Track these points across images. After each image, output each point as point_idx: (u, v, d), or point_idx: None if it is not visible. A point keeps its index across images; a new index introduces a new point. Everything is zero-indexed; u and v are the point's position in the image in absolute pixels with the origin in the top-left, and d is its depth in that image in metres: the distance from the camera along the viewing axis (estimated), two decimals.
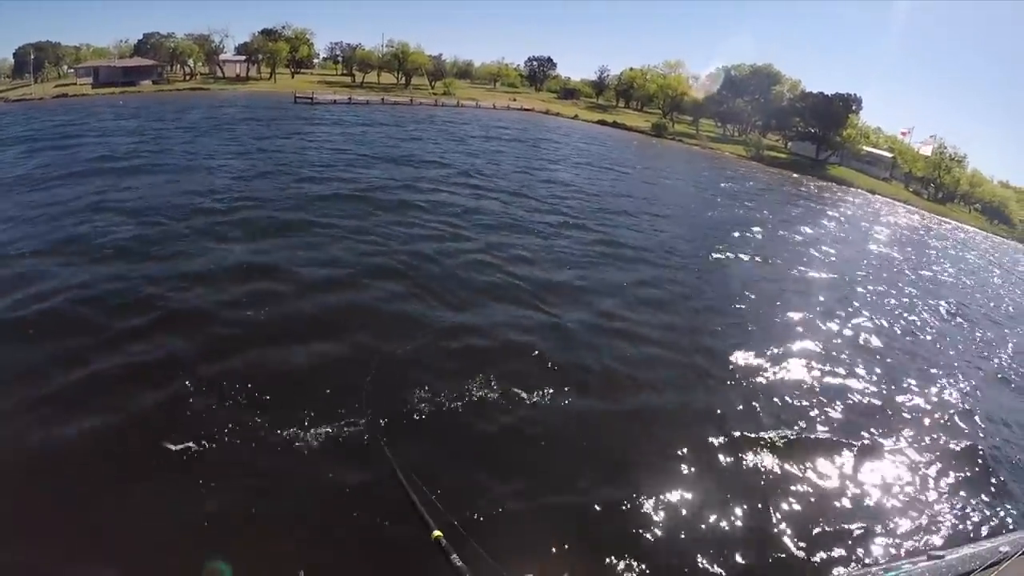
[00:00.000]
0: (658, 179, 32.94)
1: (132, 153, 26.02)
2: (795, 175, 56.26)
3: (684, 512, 6.48)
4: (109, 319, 9.74)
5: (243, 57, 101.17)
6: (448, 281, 12.13)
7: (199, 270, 11.97)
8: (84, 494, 5.62)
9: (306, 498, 5.40)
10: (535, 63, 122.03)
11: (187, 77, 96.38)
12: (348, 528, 5.03)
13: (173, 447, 6.26)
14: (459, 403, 7.34)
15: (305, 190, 18.94)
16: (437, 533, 3.33)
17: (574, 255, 15.07)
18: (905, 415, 9.83)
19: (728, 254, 17.59)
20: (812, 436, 8.35)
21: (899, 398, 10.50)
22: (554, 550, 5.29)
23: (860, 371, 11.11)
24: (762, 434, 8.15)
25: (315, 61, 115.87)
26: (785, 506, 6.89)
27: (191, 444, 6.39)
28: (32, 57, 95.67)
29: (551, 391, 8.04)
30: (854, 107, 72.67)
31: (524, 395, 7.80)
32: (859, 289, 17.11)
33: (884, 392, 10.44)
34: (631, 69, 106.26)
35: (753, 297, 14.08)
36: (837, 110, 70.97)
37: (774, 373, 10.16)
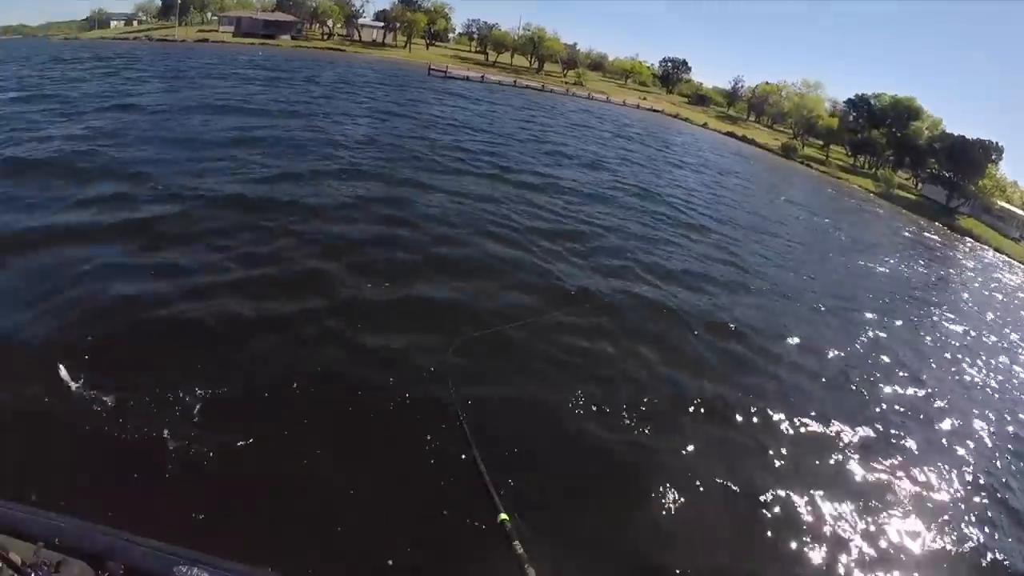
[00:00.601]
0: (785, 204, 31.25)
1: (270, 101, 26.88)
2: (923, 220, 52.00)
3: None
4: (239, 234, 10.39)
5: (381, 23, 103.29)
6: (560, 266, 11.34)
7: (317, 205, 12.40)
8: None
9: (375, 457, 5.41)
10: (669, 64, 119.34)
11: (324, 37, 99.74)
12: (413, 497, 5.00)
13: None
14: (557, 400, 6.85)
15: (438, 159, 18.95)
16: (504, 517, 3.11)
17: (691, 261, 14.09)
18: None
19: (872, 329, 13.40)
20: None
21: None
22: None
23: None
24: None
25: (450, 36, 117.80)
26: None
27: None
28: (179, 1, 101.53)
29: (666, 420, 7.21)
30: (994, 156, 66.25)
31: (632, 415, 7.00)
32: None
33: None
34: (767, 83, 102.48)
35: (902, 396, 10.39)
36: (976, 157, 64.57)
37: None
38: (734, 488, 6.34)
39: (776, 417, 7.98)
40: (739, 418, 7.79)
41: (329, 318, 7.90)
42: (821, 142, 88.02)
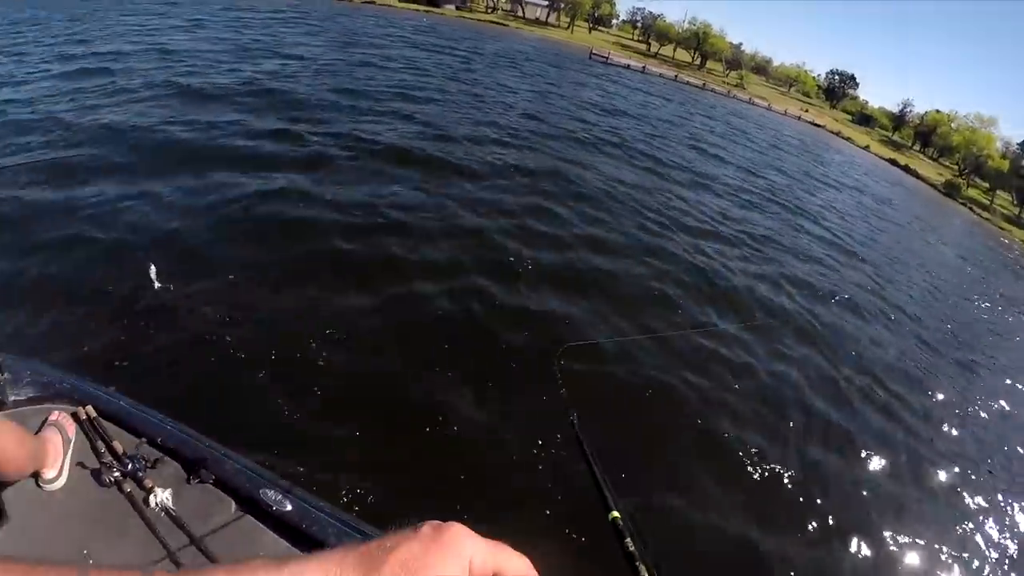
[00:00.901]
0: (939, 246, 28.63)
1: (433, 65, 27.88)
2: None
3: None
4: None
5: (545, 2, 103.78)
6: (706, 276, 10.59)
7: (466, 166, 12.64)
8: None
9: (483, 445, 5.21)
10: (836, 76, 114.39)
11: (488, 10, 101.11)
12: (520, 487, 4.80)
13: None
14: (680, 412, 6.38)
15: (592, 142, 18.88)
16: (615, 514, 3.19)
17: (839, 285, 12.90)
18: None
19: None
20: None
21: None
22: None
23: None
24: None
25: (613, 22, 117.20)
26: None
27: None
28: None
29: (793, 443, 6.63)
30: None
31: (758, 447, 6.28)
32: None
33: None
34: (936, 111, 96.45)
35: None
36: None
37: None
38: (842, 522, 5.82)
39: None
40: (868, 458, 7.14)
41: (476, 274, 7.96)
42: (987, 184, 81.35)
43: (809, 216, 19.41)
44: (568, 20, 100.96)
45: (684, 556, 4.54)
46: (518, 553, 0.65)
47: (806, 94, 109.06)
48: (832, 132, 79.78)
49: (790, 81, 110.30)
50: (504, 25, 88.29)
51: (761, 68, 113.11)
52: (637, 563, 2.99)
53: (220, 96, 14.19)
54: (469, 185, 11.53)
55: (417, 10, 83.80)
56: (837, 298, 12.12)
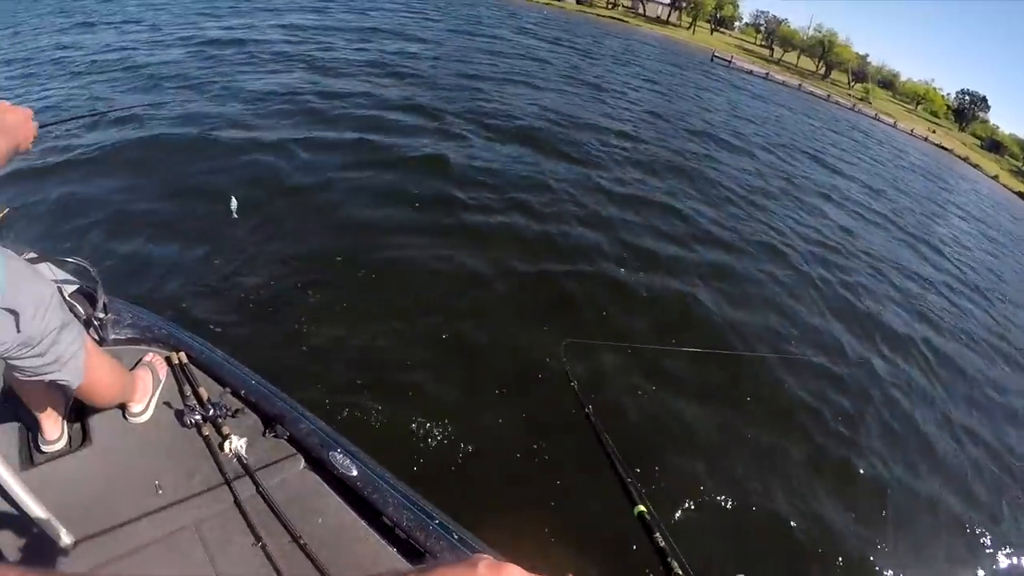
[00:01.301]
0: None
1: (553, 56, 28.50)
2: None
3: None
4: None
5: (667, 0, 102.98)
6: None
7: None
8: None
9: (504, 435, 4.94)
10: (966, 97, 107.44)
11: (610, 6, 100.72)
12: (541, 487, 4.53)
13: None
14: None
15: (714, 146, 18.46)
16: (640, 508, 3.23)
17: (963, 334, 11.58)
18: None
19: None
20: None
21: None
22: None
23: None
24: None
25: (736, 24, 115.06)
26: None
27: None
28: None
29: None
30: None
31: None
32: None
33: None
34: None
35: None
36: None
37: None
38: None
39: None
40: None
41: (601, 260, 7.99)
42: None
43: (931, 245, 18.80)
44: (690, 20, 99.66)
45: (714, 549, 4.33)
46: None
47: (934, 113, 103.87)
48: (959, 157, 76.05)
49: (917, 98, 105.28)
50: (625, 21, 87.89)
51: (887, 82, 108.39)
52: (669, 559, 3.08)
53: (349, 72, 15.17)
54: (595, 173, 11.73)
55: (537, 2, 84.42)
56: (959, 341, 11.14)
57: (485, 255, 7.25)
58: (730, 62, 64.66)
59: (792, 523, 4.73)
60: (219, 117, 10.11)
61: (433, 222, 7.72)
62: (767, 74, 67.20)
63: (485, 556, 0.60)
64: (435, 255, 6.93)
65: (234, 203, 6.49)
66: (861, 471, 5.68)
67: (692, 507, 4.53)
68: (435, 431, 4.57)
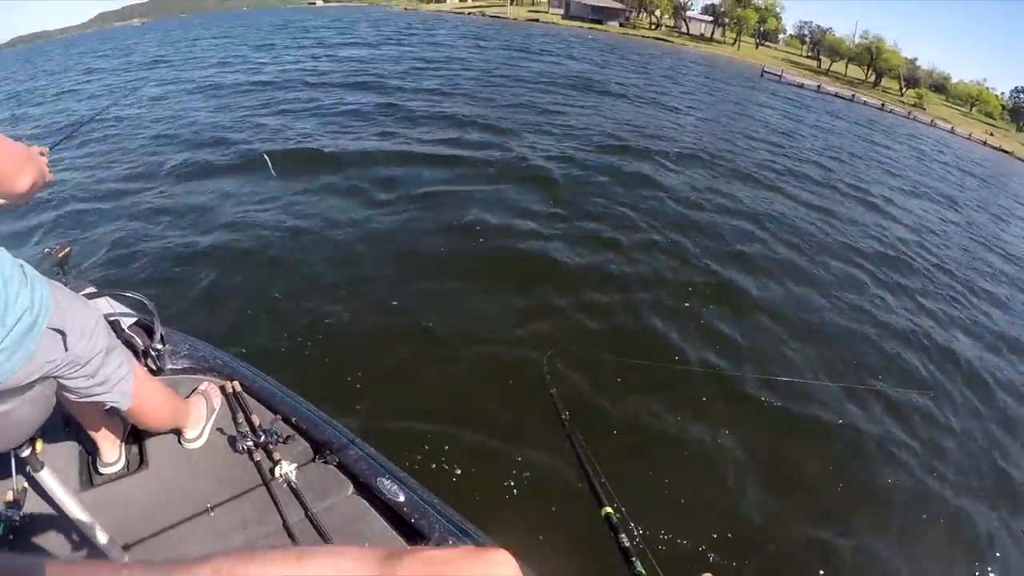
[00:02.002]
0: None
1: (608, 80, 29.57)
2: None
3: None
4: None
5: (709, 17, 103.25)
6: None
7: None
8: None
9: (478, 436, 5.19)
10: (1022, 96, 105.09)
11: (652, 27, 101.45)
12: (513, 485, 4.75)
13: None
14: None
15: (766, 161, 18.98)
16: (608, 510, 3.27)
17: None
18: None
19: None
20: None
21: None
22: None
23: None
24: None
25: (780, 37, 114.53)
26: None
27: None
28: None
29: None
30: None
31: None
32: None
33: None
34: None
35: None
36: None
37: None
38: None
39: None
40: None
41: (636, 285, 8.21)
42: None
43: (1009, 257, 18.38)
44: (734, 36, 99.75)
45: (681, 550, 4.46)
46: None
47: (988, 114, 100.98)
48: (1021, 159, 74.15)
49: (971, 100, 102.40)
50: (669, 41, 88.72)
51: (939, 86, 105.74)
52: (632, 558, 3.12)
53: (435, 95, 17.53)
54: (665, 196, 12.30)
55: (581, 27, 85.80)
56: None
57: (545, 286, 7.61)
58: (780, 76, 64.60)
59: (761, 528, 4.88)
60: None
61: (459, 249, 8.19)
62: (819, 86, 66.66)
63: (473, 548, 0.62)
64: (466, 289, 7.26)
65: (268, 161, 7.10)
66: (828, 477, 5.71)
67: (660, 510, 4.72)
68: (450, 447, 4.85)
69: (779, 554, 4.70)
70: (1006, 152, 73.34)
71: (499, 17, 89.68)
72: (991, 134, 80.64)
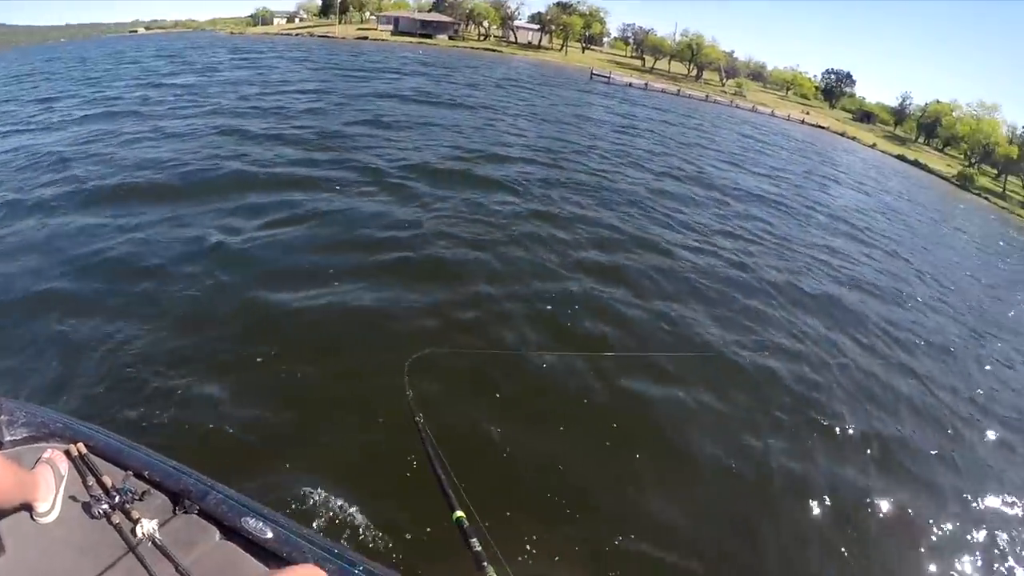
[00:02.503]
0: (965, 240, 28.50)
1: (447, 95, 29.75)
2: None
3: None
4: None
5: (536, 26, 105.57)
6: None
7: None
8: None
9: (333, 442, 5.38)
10: (832, 76, 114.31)
11: (481, 38, 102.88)
12: (368, 489, 4.81)
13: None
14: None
15: (601, 157, 19.98)
16: (459, 514, 3.23)
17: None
18: None
19: None
20: None
21: None
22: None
23: None
24: None
25: (605, 40, 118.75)
26: None
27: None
28: (339, 0, 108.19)
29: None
30: None
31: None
32: None
33: None
34: (938, 102, 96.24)
35: None
36: None
37: None
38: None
39: None
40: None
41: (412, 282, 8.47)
42: (995, 172, 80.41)
43: (839, 217, 19.89)
44: (561, 42, 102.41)
45: (534, 553, 4.55)
46: None
47: (804, 96, 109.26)
48: (837, 132, 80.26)
49: (787, 85, 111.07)
50: (499, 51, 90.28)
51: (756, 74, 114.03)
52: (484, 563, 3.12)
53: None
54: (508, 197, 12.87)
55: (410, 42, 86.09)
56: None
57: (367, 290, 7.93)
58: (609, 78, 66.76)
59: (621, 528, 5.00)
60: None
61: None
62: (646, 84, 69.69)
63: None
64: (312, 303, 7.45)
65: None
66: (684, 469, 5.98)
67: (513, 512, 4.80)
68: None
69: (629, 552, 4.84)
70: (822, 127, 79.55)
71: (329, 36, 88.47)
72: (807, 113, 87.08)
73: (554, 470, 5.45)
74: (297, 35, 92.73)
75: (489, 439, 5.64)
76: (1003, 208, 61.29)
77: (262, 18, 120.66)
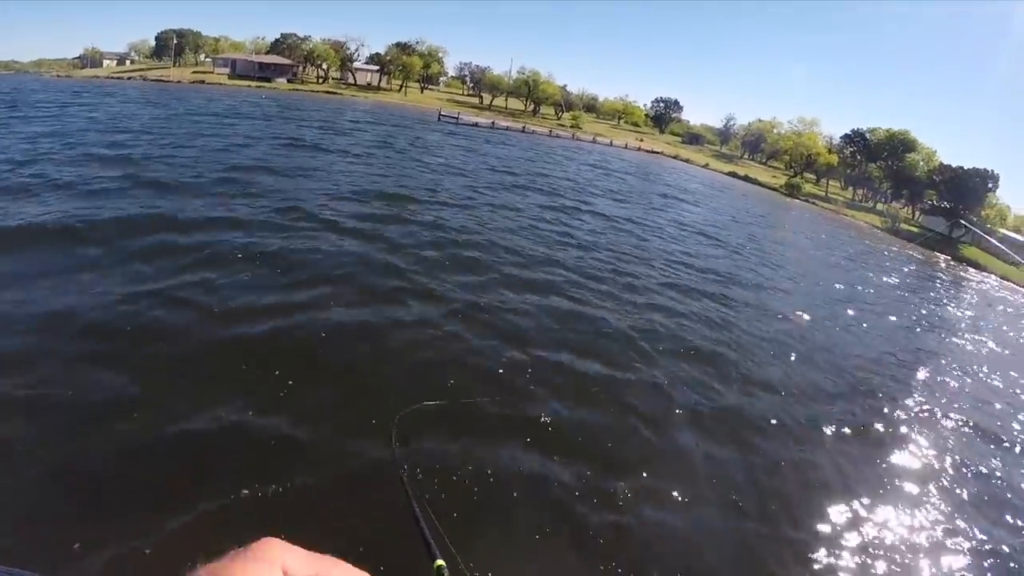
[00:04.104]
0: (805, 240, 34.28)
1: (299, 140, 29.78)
2: (926, 252, 51.07)
3: None
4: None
5: (375, 67, 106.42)
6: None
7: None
8: None
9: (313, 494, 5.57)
10: (661, 104, 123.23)
11: (320, 80, 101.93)
12: (348, 536, 5.09)
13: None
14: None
15: (447, 188, 21.63)
16: (440, 562, 2.80)
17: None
18: None
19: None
20: None
21: None
22: None
23: None
24: None
25: (441, 79, 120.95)
26: None
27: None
28: (174, 43, 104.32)
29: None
30: (991, 184, 67.74)
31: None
32: None
33: None
34: (759, 120, 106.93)
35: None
36: (975, 186, 66.79)
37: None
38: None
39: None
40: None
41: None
42: (815, 177, 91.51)
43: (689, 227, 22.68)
44: (399, 82, 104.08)
45: None
46: (353, 567, 0.70)
47: (635, 124, 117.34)
48: (671, 156, 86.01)
49: (619, 114, 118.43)
50: (338, 94, 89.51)
51: (590, 106, 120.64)
52: None
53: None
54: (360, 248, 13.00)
55: (249, 85, 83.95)
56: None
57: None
58: (457, 119, 68.59)
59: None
60: None
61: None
62: (492, 123, 72.42)
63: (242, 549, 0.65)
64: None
65: None
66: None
67: (496, 560, 5.09)
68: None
69: None
70: (657, 152, 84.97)
71: (163, 80, 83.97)
72: (642, 140, 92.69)
73: (538, 514, 5.80)
74: (129, 78, 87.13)
75: (469, 486, 5.93)
76: (828, 209, 68.71)
77: (91, 59, 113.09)
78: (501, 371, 8.43)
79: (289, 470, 5.66)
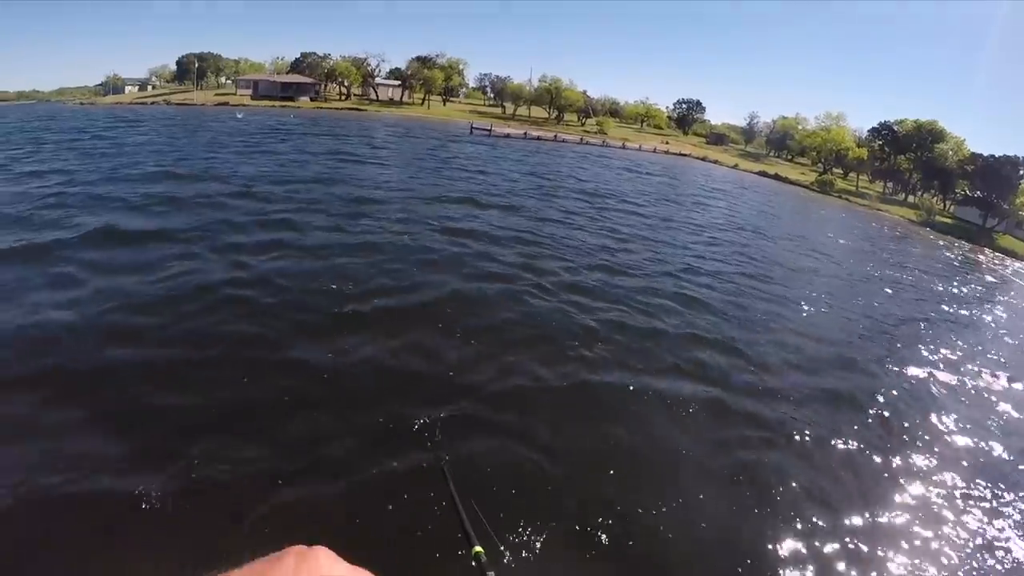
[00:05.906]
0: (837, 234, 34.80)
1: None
2: (964, 243, 52.24)
3: None
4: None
5: (397, 81, 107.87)
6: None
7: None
8: None
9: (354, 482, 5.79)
10: (684, 105, 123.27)
11: (342, 97, 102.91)
12: (388, 523, 5.28)
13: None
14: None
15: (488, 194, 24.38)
16: (478, 549, 2.78)
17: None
18: None
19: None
20: None
21: None
22: None
23: None
24: None
25: (462, 91, 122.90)
26: None
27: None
28: (196, 66, 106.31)
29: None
30: (1023, 171, 66.29)
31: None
32: None
33: None
34: (784, 118, 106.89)
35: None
36: (1007, 174, 65.78)
37: None
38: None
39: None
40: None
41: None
42: (842, 172, 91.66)
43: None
44: (422, 96, 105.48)
45: None
46: None
47: (658, 127, 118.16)
48: (699, 158, 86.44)
49: (641, 118, 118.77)
50: (363, 110, 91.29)
51: (613, 111, 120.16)
52: None
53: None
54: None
55: (272, 105, 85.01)
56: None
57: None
58: (491, 130, 69.82)
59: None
60: None
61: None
62: (525, 133, 73.64)
63: (296, 547, 0.69)
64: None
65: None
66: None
67: (530, 548, 5.26)
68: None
69: None
70: (685, 155, 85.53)
71: (187, 104, 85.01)
72: (667, 143, 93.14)
73: (579, 508, 5.98)
74: (153, 103, 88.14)
75: (510, 477, 6.15)
76: (862, 205, 69.11)
77: (113, 86, 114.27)
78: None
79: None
